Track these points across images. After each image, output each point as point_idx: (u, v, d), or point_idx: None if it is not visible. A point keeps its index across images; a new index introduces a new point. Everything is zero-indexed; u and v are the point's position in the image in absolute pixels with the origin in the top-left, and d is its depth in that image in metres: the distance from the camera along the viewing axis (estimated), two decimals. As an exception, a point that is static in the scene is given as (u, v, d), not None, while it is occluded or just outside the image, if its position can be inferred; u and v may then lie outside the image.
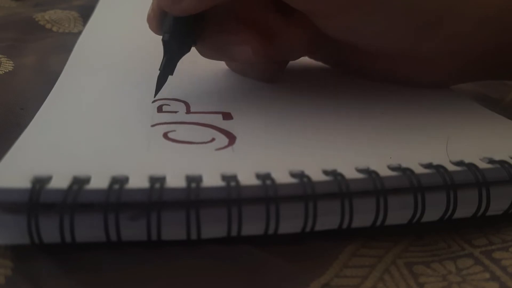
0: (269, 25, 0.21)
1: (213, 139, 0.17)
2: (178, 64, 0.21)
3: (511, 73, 0.24)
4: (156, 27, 0.21)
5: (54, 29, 0.35)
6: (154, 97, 0.20)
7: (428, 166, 0.16)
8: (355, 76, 0.25)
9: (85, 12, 0.37)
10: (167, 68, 0.20)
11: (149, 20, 0.21)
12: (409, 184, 0.15)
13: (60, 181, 0.14)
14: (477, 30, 0.21)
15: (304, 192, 0.14)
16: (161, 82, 0.20)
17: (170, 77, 0.21)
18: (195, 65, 0.25)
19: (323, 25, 0.21)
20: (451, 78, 0.24)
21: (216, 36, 0.21)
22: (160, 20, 0.20)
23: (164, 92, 0.21)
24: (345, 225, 0.15)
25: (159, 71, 0.20)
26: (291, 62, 0.25)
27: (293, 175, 0.15)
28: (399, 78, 0.23)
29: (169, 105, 0.20)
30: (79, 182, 0.14)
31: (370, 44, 0.22)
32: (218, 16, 0.20)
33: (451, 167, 0.16)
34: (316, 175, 0.15)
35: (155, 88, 0.20)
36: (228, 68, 0.24)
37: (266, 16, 0.21)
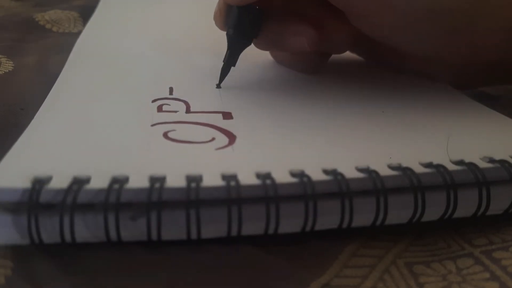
0: (321, 19, 0.23)
1: (213, 139, 0.17)
2: (178, 63, 0.22)
3: None
4: (221, 23, 0.23)
5: (54, 29, 0.35)
6: (218, 86, 0.22)
7: (428, 165, 0.16)
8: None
9: (85, 12, 0.37)
10: (231, 60, 0.22)
11: (215, 17, 0.23)
12: (409, 184, 0.15)
13: (60, 181, 0.14)
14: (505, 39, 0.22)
15: (304, 192, 0.14)
16: (224, 72, 0.22)
17: (169, 77, 0.22)
18: (195, 64, 0.25)
19: (358, 23, 0.22)
20: (477, 82, 0.25)
21: (274, 28, 0.22)
22: (225, 16, 0.22)
23: (165, 91, 0.21)
24: (345, 225, 0.15)
25: (223, 63, 0.22)
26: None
27: (293, 174, 0.15)
28: (428, 77, 0.25)
29: (169, 104, 0.20)
30: (79, 182, 0.14)
31: (399, 44, 0.23)
32: (276, 10, 0.22)
33: (451, 167, 0.16)
34: (316, 175, 0.15)
35: (219, 78, 0.22)
36: (273, 59, 0.26)
37: (318, 10, 0.23)
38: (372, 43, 0.24)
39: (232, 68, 0.24)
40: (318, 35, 0.22)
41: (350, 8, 0.21)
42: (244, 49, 0.22)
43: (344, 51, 0.25)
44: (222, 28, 0.23)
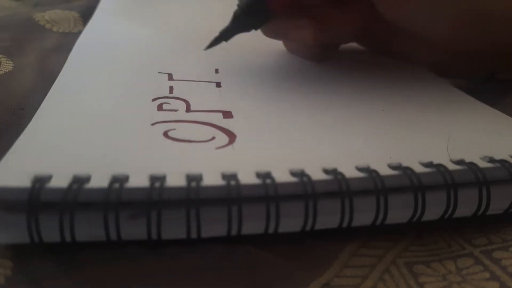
0: (325, 11, 0.23)
1: (213, 138, 0.17)
2: (178, 63, 0.23)
3: None
4: None
5: (54, 29, 0.35)
6: (205, 49, 0.23)
7: (429, 165, 0.16)
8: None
9: (85, 12, 0.37)
10: (225, 34, 0.23)
11: None
12: (409, 183, 0.15)
13: (60, 180, 0.14)
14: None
15: (304, 191, 0.14)
16: (215, 42, 0.23)
17: (168, 75, 0.23)
18: (196, 64, 0.25)
19: (384, 9, 0.23)
20: (485, 71, 0.26)
21: (280, 21, 0.23)
22: None
23: (165, 90, 0.21)
24: (345, 224, 0.15)
25: (218, 33, 0.23)
26: (295, 63, 0.26)
27: (293, 174, 0.15)
28: (437, 69, 0.26)
29: (169, 103, 0.20)
30: (79, 181, 0.14)
31: (418, 30, 0.24)
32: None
33: (451, 166, 0.16)
34: (316, 174, 0.15)
35: (208, 44, 0.23)
36: (283, 48, 0.27)
37: (323, 3, 0.23)
38: (383, 33, 0.25)
39: (233, 68, 0.24)
40: (322, 28, 0.23)
41: None
42: (240, 32, 0.23)
43: (351, 41, 0.27)
44: None
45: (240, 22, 0.23)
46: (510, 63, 0.25)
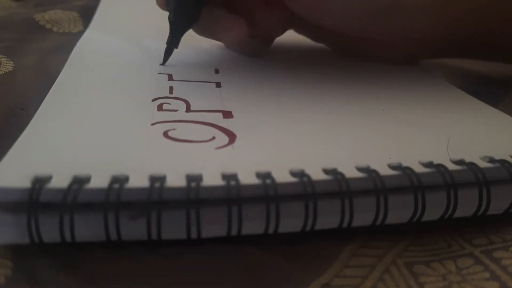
0: (250, 8, 0.24)
1: (213, 138, 0.17)
2: (179, 63, 0.23)
3: (483, 54, 0.27)
4: (162, 3, 0.24)
5: (54, 29, 0.35)
6: (162, 63, 0.24)
7: (429, 165, 0.16)
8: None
9: (85, 12, 0.37)
10: (173, 42, 0.24)
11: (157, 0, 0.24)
12: (409, 183, 0.15)
13: (60, 181, 0.14)
14: (425, 18, 0.23)
15: (304, 191, 0.14)
16: (168, 53, 0.24)
17: (168, 75, 0.23)
18: (196, 64, 0.25)
19: (291, 5, 0.23)
20: (412, 57, 0.27)
21: (207, 21, 0.24)
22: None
23: (165, 90, 0.21)
24: (345, 224, 0.15)
25: (166, 45, 0.24)
26: (295, 63, 0.26)
27: (293, 174, 0.15)
28: (366, 55, 0.27)
29: (169, 103, 0.20)
30: (79, 182, 0.14)
31: (331, 25, 0.24)
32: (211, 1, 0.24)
33: (451, 166, 0.16)
34: (316, 174, 0.15)
35: (163, 58, 0.24)
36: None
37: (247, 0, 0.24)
38: (311, 25, 0.25)
39: (233, 68, 0.24)
40: (248, 30, 0.23)
41: None
42: (184, 32, 0.24)
43: (280, 34, 0.27)
44: (163, 8, 0.24)
45: (178, 23, 0.23)
46: (427, 50, 0.26)
